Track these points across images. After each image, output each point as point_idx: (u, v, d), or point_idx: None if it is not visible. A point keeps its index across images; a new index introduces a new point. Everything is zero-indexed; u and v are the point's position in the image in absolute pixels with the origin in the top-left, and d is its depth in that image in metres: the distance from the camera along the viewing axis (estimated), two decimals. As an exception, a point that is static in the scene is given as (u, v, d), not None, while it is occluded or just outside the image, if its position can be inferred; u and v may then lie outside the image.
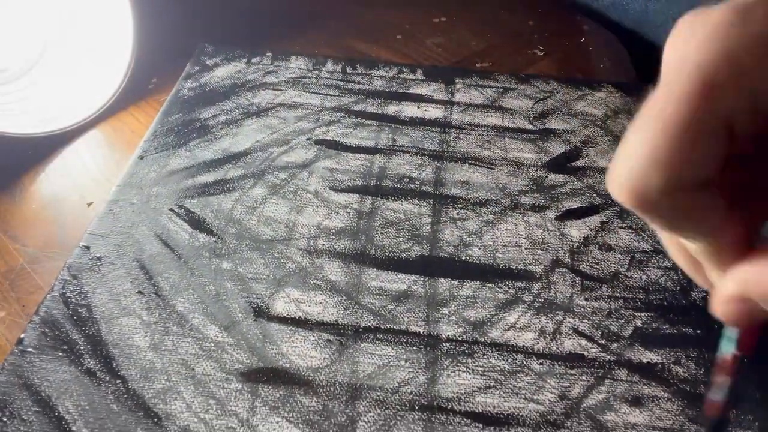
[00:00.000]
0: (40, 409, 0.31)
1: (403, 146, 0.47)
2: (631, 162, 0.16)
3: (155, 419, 0.30)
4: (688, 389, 0.33)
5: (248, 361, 0.33)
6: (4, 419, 0.30)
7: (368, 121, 0.49)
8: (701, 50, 0.14)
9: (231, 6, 0.66)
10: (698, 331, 0.35)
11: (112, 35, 0.52)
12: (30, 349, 0.33)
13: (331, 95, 0.52)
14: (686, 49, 0.15)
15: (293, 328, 0.35)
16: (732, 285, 0.17)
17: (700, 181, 0.15)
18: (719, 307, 0.18)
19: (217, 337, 0.34)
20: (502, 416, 0.31)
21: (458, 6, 0.67)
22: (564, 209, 0.43)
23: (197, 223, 0.40)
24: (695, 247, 0.18)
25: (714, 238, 0.17)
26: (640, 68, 0.59)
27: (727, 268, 0.17)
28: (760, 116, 0.15)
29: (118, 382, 0.32)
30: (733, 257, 0.17)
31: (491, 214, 0.42)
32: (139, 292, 0.36)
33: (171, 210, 0.41)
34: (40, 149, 0.48)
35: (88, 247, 0.38)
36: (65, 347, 0.33)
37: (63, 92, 0.51)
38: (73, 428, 0.30)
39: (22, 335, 0.33)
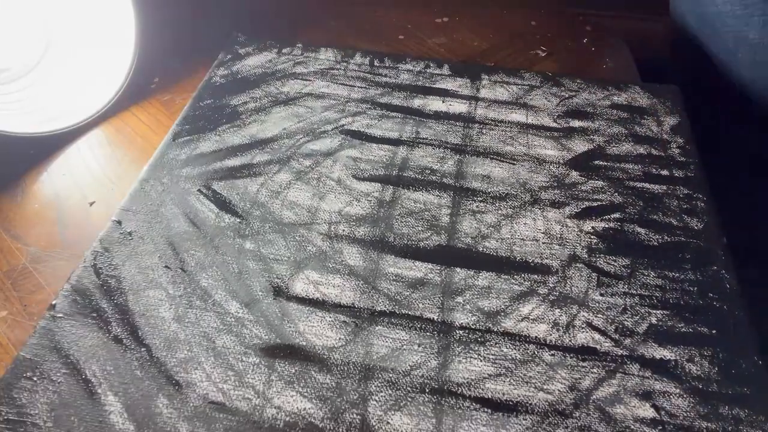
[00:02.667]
0: (69, 371, 0.32)
1: (426, 139, 0.48)
2: None
3: (176, 387, 0.32)
4: (700, 387, 0.33)
5: (266, 337, 0.34)
6: (35, 379, 0.32)
7: (393, 114, 0.50)
8: None
9: (235, 6, 0.66)
10: (714, 331, 0.35)
11: (114, 35, 0.52)
12: (61, 315, 0.35)
13: (358, 87, 0.53)
14: None
15: (311, 309, 0.36)
16: None
17: None
18: None
19: (238, 312, 0.35)
20: (510, 403, 0.32)
21: (460, 6, 0.67)
22: (584, 206, 0.43)
23: (223, 205, 0.42)
24: None
25: None
26: (643, 68, 0.59)
27: None
28: None
29: (142, 350, 0.33)
30: None
31: (510, 208, 0.43)
32: (166, 266, 0.38)
33: (199, 191, 0.43)
34: (42, 149, 0.48)
35: (119, 222, 0.40)
36: (94, 314, 0.35)
37: (65, 92, 0.51)
38: (98, 391, 0.31)
39: (54, 302, 0.35)
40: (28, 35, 0.51)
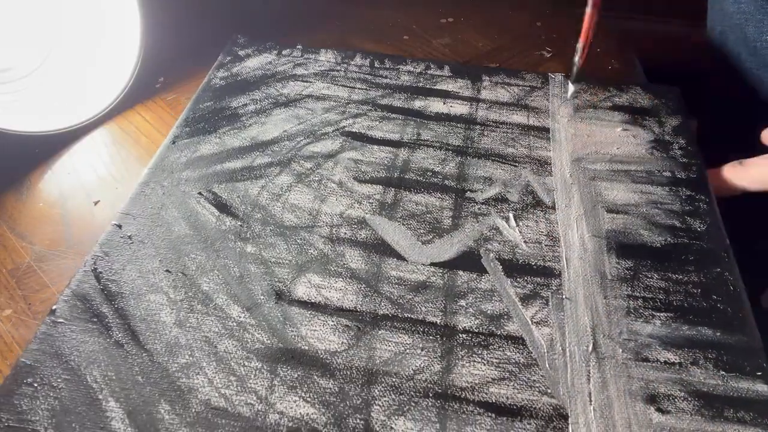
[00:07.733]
0: (69, 377, 0.32)
1: (427, 140, 0.48)
2: None
3: (178, 392, 0.32)
4: (704, 390, 0.32)
5: (268, 341, 0.34)
6: (35, 385, 0.32)
7: (394, 115, 0.50)
8: None
9: (240, 6, 0.66)
10: (718, 333, 0.35)
11: (119, 34, 0.51)
12: (61, 320, 0.34)
13: (358, 88, 0.52)
14: None
15: (313, 312, 0.36)
16: None
17: None
18: None
19: (240, 317, 0.35)
20: (515, 407, 0.32)
21: (465, 7, 0.67)
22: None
23: (224, 208, 0.42)
24: None
25: None
26: (649, 70, 0.58)
27: None
28: None
29: (144, 355, 0.33)
30: None
31: (512, 210, 0.42)
32: (167, 270, 0.37)
33: (199, 194, 0.42)
34: (47, 148, 0.48)
35: (119, 226, 0.40)
36: (95, 319, 0.34)
37: (70, 91, 0.51)
38: (100, 396, 0.31)
39: (55, 306, 0.35)
40: (32, 34, 0.51)
